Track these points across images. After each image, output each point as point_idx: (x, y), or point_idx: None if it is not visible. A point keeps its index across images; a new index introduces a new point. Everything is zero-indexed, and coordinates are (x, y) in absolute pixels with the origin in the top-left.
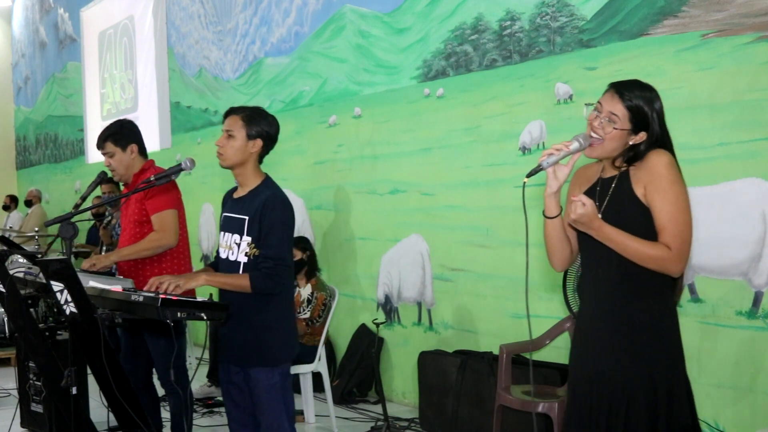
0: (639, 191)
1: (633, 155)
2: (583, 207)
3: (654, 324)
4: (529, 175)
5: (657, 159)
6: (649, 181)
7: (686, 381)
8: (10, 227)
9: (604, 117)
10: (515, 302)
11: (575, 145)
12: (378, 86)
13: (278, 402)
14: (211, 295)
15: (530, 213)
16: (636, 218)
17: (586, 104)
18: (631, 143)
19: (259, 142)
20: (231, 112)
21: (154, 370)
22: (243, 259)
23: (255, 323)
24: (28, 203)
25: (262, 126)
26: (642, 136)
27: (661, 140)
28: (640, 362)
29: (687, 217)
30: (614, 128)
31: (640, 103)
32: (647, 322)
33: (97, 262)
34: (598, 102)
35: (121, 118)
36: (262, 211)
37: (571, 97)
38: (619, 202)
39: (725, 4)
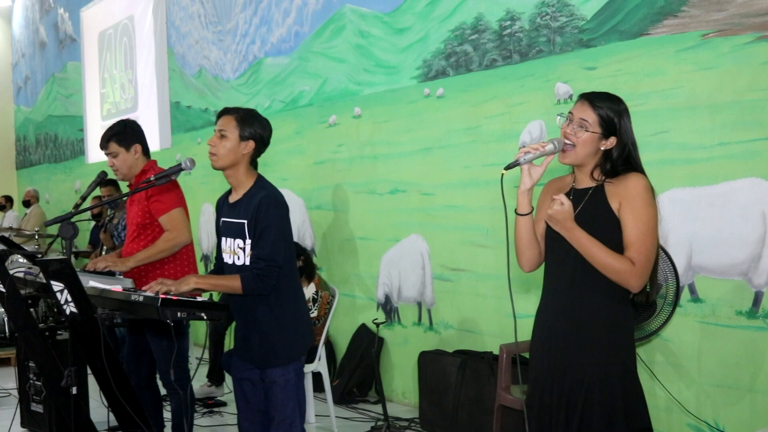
0: (614, 205)
1: (610, 168)
2: (561, 206)
3: (611, 323)
4: (506, 168)
5: (636, 181)
6: (625, 198)
7: (639, 382)
8: (11, 227)
9: (575, 124)
10: (515, 302)
11: (550, 147)
12: (378, 86)
13: (292, 398)
14: (211, 295)
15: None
16: (606, 228)
17: (558, 114)
18: (602, 149)
19: (251, 144)
20: (225, 112)
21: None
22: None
23: (268, 324)
24: (26, 203)
25: (255, 128)
26: (612, 141)
27: (632, 154)
28: (597, 359)
29: (654, 238)
30: (586, 131)
31: (609, 111)
32: (604, 321)
33: (113, 266)
34: (570, 112)
35: (123, 117)
36: (257, 211)
37: (571, 96)
38: (591, 211)
39: (725, 4)
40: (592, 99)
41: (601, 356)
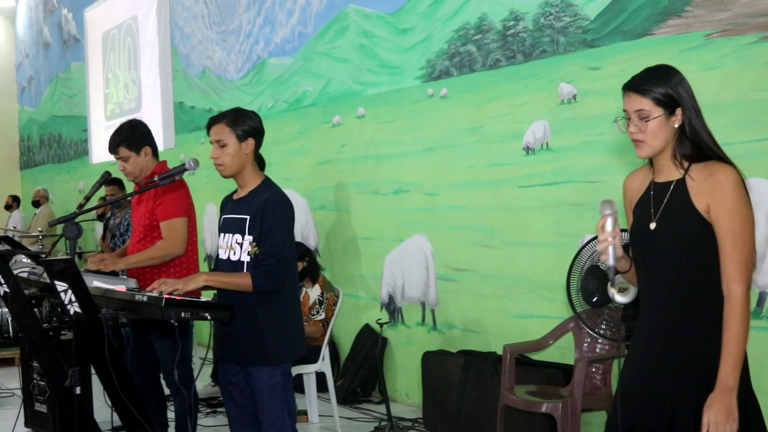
0: (699, 205)
1: (693, 150)
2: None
3: (716, 329)
4: (614, 286)
5: (725, 178)
6: (713, 199)
7: (756, 400)
8: (14, 227)
9: (635, 119)
10: (519, 302)
11: (608, 224)
12: (381, 86)
13: (280, 401)
14: (214, 295)
15: (534, 214)
16: (691, 231)
17: (615, 121)
18: (675, 126)
19: (251, 141)
20: (213, 122)
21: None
22: (246, 258)
23: (256, 323)
24: (36, 203)
25: (247, 124)
26: (680, 114)
27: (699, 121)
28: (706, 384)
29: (750, 243)
30: (647, 121)
31: (660, 86)
32: (714, 335)
33: (103, 266)
34: (624, 110)
35: (130, 118)
36: (264, 210)
37: (574, 97)
38: (674, 211)
39: (729, 4)
40: (636, 86)
41: (711, 378)
